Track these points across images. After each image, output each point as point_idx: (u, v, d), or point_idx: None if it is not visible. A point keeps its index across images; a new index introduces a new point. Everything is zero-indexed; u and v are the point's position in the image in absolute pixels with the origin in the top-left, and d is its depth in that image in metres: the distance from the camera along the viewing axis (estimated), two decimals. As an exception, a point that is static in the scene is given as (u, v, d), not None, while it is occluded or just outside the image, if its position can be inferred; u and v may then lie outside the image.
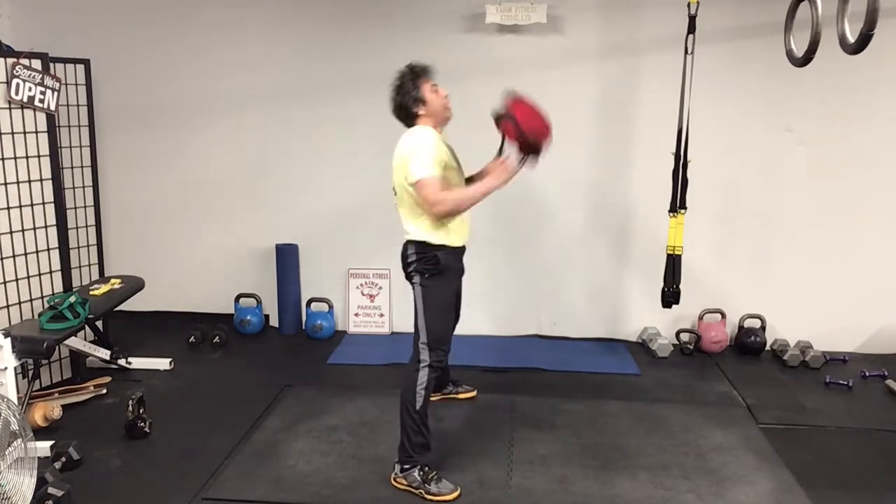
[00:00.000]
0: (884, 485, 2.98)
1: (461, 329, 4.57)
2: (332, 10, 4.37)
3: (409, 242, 2.94)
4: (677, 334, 4.48)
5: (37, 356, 3.27)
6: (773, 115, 4.26)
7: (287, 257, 4.63)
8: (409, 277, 2.98)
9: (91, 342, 3.88)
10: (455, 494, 2.79)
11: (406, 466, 2.84)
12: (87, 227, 4.25)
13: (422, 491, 2.79)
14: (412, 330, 2.95)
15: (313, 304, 4.68)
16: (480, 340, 4.52)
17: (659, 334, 4.44)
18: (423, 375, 2.86)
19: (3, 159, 3.42)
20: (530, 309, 4.61)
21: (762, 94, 4.23)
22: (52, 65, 3.62)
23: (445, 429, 3.35)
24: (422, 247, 2.89)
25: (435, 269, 2.89)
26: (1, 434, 2.45)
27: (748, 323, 4.45)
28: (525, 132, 2.87)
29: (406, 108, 3.01)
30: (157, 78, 4.56)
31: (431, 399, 3.37)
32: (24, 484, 2.51)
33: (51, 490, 2.62)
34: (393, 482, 2.87)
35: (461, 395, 3.65)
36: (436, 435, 3.25)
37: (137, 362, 4.04)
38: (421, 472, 2.82)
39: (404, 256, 2.97)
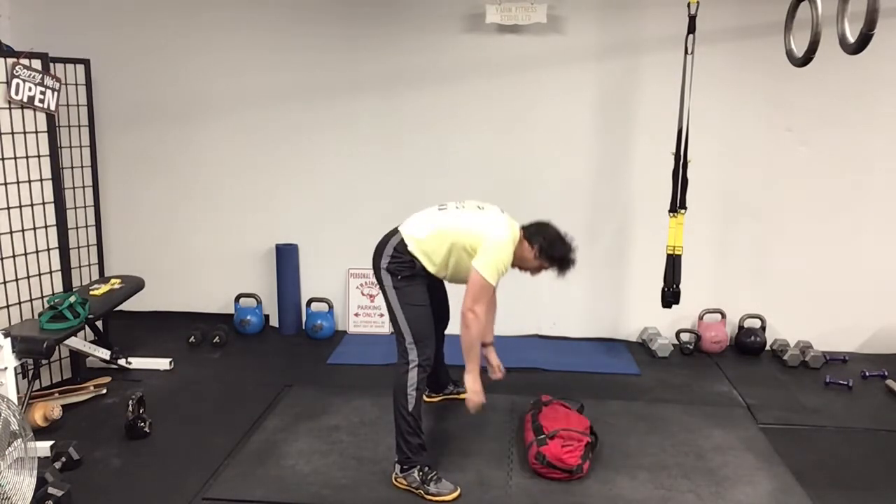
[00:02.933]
0: (884, 485, 2.98)
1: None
2: (333, 11, 4.37)
3: (402, 240, 2.94)
4: (677, 334, 4.48)
5: (37, 356, 3.27)
6: (773, 115, 4.26)
7: (287, 257, 4.63)
8: (378, 277, 2.98)
9: (91, 342, 3.88)
10: (455, 494, 2.79)
11: (405, 467, 2.84)
12: (87, 227, 4.25)
13: (421, 491, 2.79)
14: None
15: (313, 304, 4.68)
16: (480, 340, 4.52)
17: (659, 334, 4.44)
18: (412, 376, 2.87)
19: (3, 159, 3.42)
20: (530, 309, 4.61)
21: (762, 94, 4.23)
22: (52, 65, 3.61)
23: (445, 429, 3.36)
24: (408, 254, 2.92)
25: (408, 272, 2.93)
26: (1, 434, 2.45)
27: (748, 323, 4.45)
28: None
29: (535, 240, 2.98)
30: (157, 78, 4.56)
31: (432, 400, 3.38)
32: (24, 484, 2.51)
33: (51, 490, 2.62)
34: (394, 482, 2.87)
35: (462, 396, 3.65)
36: (436, 435, 3.28)
37: (137, 362, 4.04)
38: (420, 473, 2.82)
39: (382, 251, 2.96)
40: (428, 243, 2.92)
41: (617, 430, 3.35)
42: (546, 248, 2.95)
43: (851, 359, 4.31)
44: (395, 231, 3.01)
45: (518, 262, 3.00)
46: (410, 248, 2.92)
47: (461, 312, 2.87)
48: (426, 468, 2.84)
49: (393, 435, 2.92)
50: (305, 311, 4.70)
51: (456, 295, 3.06)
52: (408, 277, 2.93)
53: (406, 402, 2.85)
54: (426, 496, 2.78)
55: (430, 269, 2.95)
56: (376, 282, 3.03)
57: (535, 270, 3.05)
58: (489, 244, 2.87)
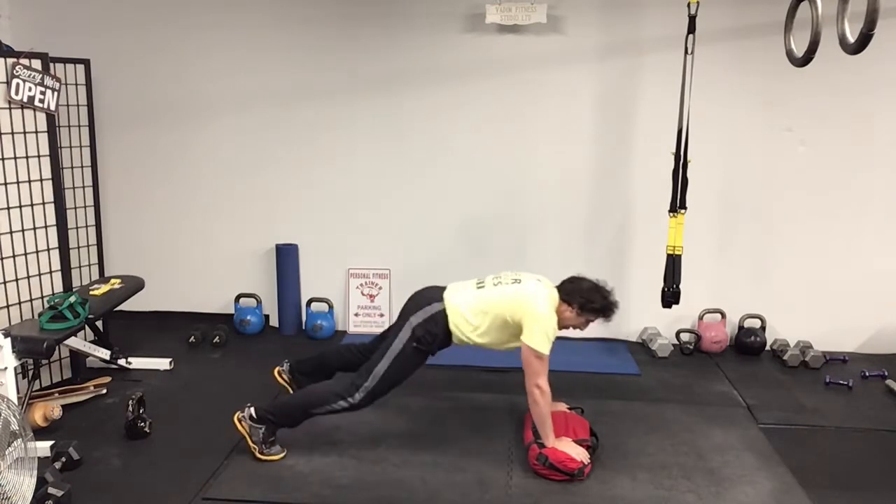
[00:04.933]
0: (884, 485, 2.98)
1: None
2: (332, 11, 4.37)
3: (443, 311, 3.01)
4: (677, 334, 4.48)
5: (37, 356, 3.27)
6: (773, 115, 4.26)
7: (287, 257, 4.63)
8: (400, 324, 3.04)
9: (91, 342, 3.88)
10: (282, 455, 3.01)
11: (259, 421, 2.99)
12: (87, 227, 4.25)
13: (256, 448, 2.98)
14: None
15: (313, 304, 4.68)
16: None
17: (659, 334, 4.44)
18: (338, 406, 3.01)
19: (3, 159, 3.42)
20: (530, 309, 4.60)
21: (762, 94, 4.23)
22: (52, 65, 3.61)
23: (446, 429, 3.36)
24: (446, 330, 3.01)
25: (426, 347, 3.02)
26: (1, 434, 2.45)
27: (748, 323, 4.45)
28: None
29: (573, 299, 3.06)
30: (157, 78, 4.56)
31: (282, 379, 3.48)
32: (24, 484, 2.51)
33: (51, 490, 2.62)
34: (235, 419, 3.02)
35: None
36: (436, 435, 3.28)
37: (137, 362, 4.04)
38: (265, 434, 2.99)
39: (418, 308, 3.04)
40: (470, 319, 3.02)
41: (617, 430, 3.35)
42: (586, 304, 3.04)
43: (851, 359, 4.31)
44: (438, 298, 3.06)
45: (564, 324, 3.09)
46: (452, 319, 3.01)
47: (527, 391, 2.95)
48: (273, 437, 3.01)
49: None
50: (305, 311, 4.70)
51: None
52: (421, 351, 3.02)
53: (321, 409, 3.01)
54: (259, 454, 2.99)
55: (464, 340, 3.05)
56: (395, 323, 3.10)
57: (583, 325, 3.14)
58: (533, 317, 2.95)
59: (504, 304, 3.00)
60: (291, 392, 3.44)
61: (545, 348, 2.94)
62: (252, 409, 3.03)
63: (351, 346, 3.45)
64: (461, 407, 3.60)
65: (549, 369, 4.16)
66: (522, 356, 2.97)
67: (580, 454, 2.93)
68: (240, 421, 3.02)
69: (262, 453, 3.00)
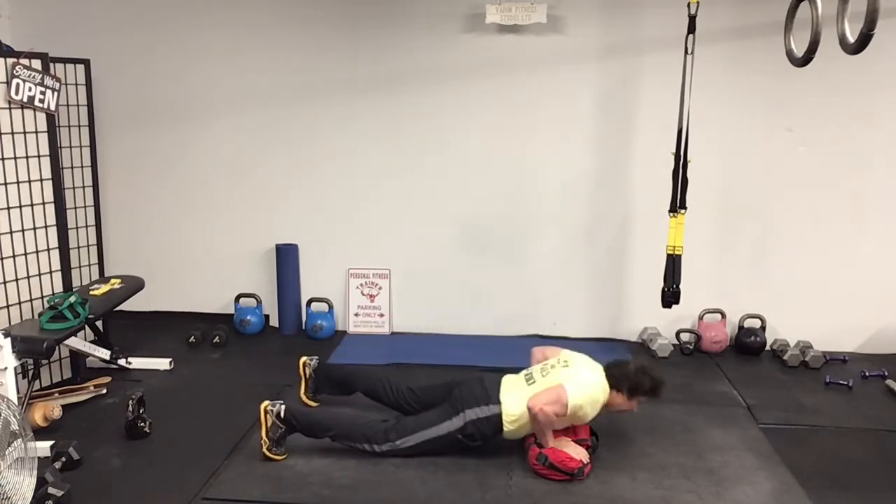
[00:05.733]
0: (884, 485, 2.98)
1: (462, 329, 4.61)
2: (332, 11, 4.37)
3: (499, 415, 3.00)
4: (677, 334, 4.48)
5: (37, 356, 3.27)
6: (773, 115, 4.26)
7: (287, 257, 4.63)
8: (462, 422, 3.02)
9: (91, 342, 3.88)
10: (284, 457, 3.03)
11: (285, 425, 3.00)
12: (87, 227, 4.25)
13: (268, 444, 3.00)
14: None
15: (313, 304, 4.68)
16: (480, 340, 4.52)
17: (659, 334, 4.44)
18: (363, 447, 3.03)
19: (3, 159, 3.42)
20: (530, 309, 4.61)
21: (762, 94, 4.23)
22: (52, 65, 3.61)
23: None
24: (498, 430, 3.02)
25: (474, 444, 3.04)
26: (1, 434, 2.45)
27: (748, 323, 4.45)
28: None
29: (622, 386, 3.08)
30: (157, 78, 4.56)
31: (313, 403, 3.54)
32: (24, 484, 2.51)
33: (51, 490, 2.61)
34: (262, 409, 3.02)
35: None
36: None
37: (137, 362, 4.04)
38: (283, 435, 3.02)
39: (474, 401, 3.04)
40: (524, 418, 2.99)
41: (617, 430, 3.35)
42: (635, 388, 3.06)
43: (851, 359, 4.31)
44: (497, 399, 3.03)
45: (616, 409, 3.12)
46: (506, 420, 3.00)
47: (529, 408, 2.93)
48: (285, 438, 3.04)
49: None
50: (305, 311, 4.70)
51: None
52: (464, 445, 3.03)
53: (342, 439, 3.06)
54: (267, 451, 3.00)
55: (514, 433, 3.04)
56: (450, 404, 3.08)
57: (634, 407, 3.14)
58: (586, 387, 2.99)
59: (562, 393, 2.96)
60: (303, 385, 3.52)
61: (571, 406, 2.91)
62: (282, 408, 3.01)
63: (386, 381, 3.39)
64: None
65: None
66: (553, 387, 2.96)
67: (580, 454, 2.93)
68: (267, 412, 3.01)
69: (269, 450, 3.01)
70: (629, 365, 3.15)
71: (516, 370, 3.22)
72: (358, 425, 3.08)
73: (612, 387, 3.06)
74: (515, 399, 3.02)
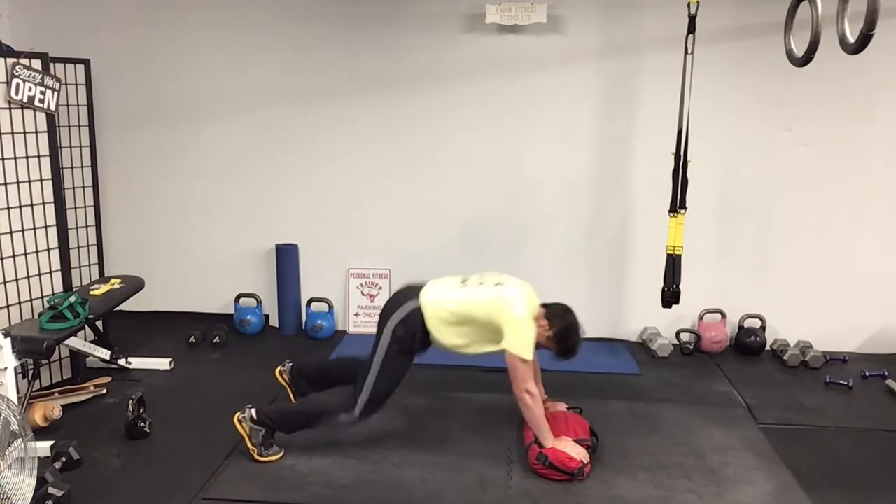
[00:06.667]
0: (884, 485, 2.98)
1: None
2: (332, 11, 4.37)
3: (419, 309, 2.98)
4: (677, 334, 4.48)
5: (37, 356, 3.27)
6: (773, 115, 4.26)
7: (287, 257, 4.63)
8: (380, 330, 3.02)
9: (91, 342, 3.88)
10: (280, 455, 3.02)
11: (259, 424, 2.99)
12: (87, 227, 4.25)
13: (255, 450, 2.99)
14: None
15: (313, 304, 4.68)
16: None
17: (659, 334, 4.44)
18: (342, 419, 3.02)
19: (3, 159, 3.42)
20: (530, 309, 4.61)
21: (762, 94, 4.23)
22: (52, 65, 3.61)
23: (446, 429, 3.35)
24: (424, 328, 2.98)
25: (409, 346, 3.01)
26: (1, 434, 2.45)
27: (748, 323, 4.45)
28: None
29: (555, 322, 3.01)
30: (157, 78, 4.56)
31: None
32: (24, 484, 2.51)
33: (51, 490, 2.62)
34: (236, 420, 3.01)
35: None
36: (436, 435, 3.28)
37: (137, 362, 4.04)
38: (264, 436, 2.99)
39: (395, 309, 3.02)
40: (446, 318, 2.98)
41: (617, 430, 3.35)
42: (562, 334, 3.00)
43: (851, 359, 4.31)
44: (414, 296, 3.03)
45: (540, 341, 3.05)
46: (428, 316, 2.98)
47: (517, 398, 2.94)
48: (272, 438, 3.02)
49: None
50: (305, 311, 4.70)
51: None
52: (404, 353, 3.00)
53: (323, 420, 3.03)
54: (258, 456, 2.99)
55: (443, 342, 3.02)
56: (376, 328, 3.07)
57: (546, 346, 3.06)
58: (512, 322, 2.92)
59: (483, 307, 2.97)
60: (290, 393, 3.44)
61: (528, 353, 2.92)
62: (252, 411, 3.02)
63: (357, 359, 3.37)
64: (461, 407, 3.60)
65: (550, 369, 4.17)
66: (507, 363, 2.94)
67: (580, 454, 2.93)
68: (240, 422, 3.02)
69: (260, 455, 3.01)
70: (572, 316, 3.04)
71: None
72: (329, 401, 3.08)
73: (544, 315, 2.99)
74: (439, 294, 3.02)
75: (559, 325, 2.99)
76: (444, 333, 3.01)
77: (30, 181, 3.55)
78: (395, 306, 3.06)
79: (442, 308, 3.00)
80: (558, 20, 4.22)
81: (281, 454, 3.04)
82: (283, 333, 4.70)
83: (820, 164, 4.28)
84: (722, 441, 3.28)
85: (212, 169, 4.65)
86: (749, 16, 4.13)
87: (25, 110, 3.49)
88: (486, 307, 2.97)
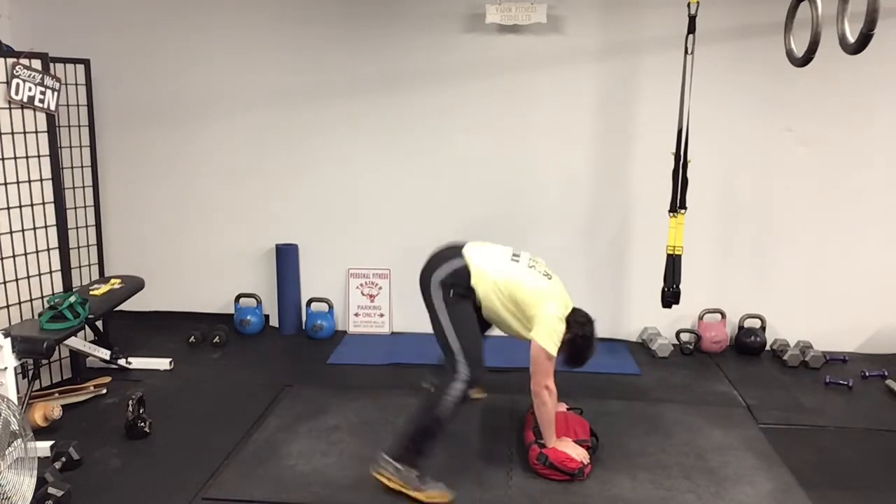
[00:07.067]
0: (884, 485, 2.98)
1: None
2: (332, 11, 4.37)
3: (466, 267, 2.93)
4: (677, 334, 4.48)
5: (37, 356, 3.27)
6: (773, 115, 4.26)
7: (287, 257, 4.63)
8: (427, 289, 2.95)
9: (91, 342, 3.88)
10: (449, 496, 2.76)
11: (404, 465, 2.77)
12: (87, 227, 4.25)
13: (420, 493, 2.74)
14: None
15: (313, 304, 4.68)
16: (480, 340, 4.52)
17: (659, 334, 4.44)
18: (458, 388, 2.80)
19: (3, 159, 3.42)
20: (530, 309, 4.61)
21: (762, 94, 4.23)
22: (52, 65, 3.61)
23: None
24: (467, 283, 2.92)
25: (463, 292, 2.92)
26: (1, 434, 2.45)
27: (748, 323, 4.45)
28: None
29: (574, 328, 2.98)
30: (157, 78, 4.56)
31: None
32: (24, 484, 2.51)
33: (51, 490, 2.62)
34: (380, 476, 2.79)
35: (474, 395, 3.63)
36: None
37: (137, 362, 4.04)
38: (416, 474, 2.77)
39: (438, 265, 2.96)
40: (493, 286, 2.93)
41: (617, 430, 3.35)
42: (577, 340, 2.97)
43: (851, 359, 4.31)
44: (459, 254, 2.98)
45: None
46: (473, 281, 2.92)
47: (534, 392, 2.91)
48: (426, 473, 2.79)
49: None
50: (305, 311, 4.70)
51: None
52: (462, 297, 2.92)
53: (443, 409, 2.77)
54: (421, 497, 2.74)
55: (486, 303, 2.96)
56: (422, 293, 2.99)
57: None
58: (547, 318, 2.90)
59: (530, 292, 2.92)
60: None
61: (554, 350, 2.90)
62: (387, 456, 2.79)
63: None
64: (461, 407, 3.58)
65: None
66: (532, 354, 2.91)
67: (580, 454, 2.93)
68: (388, 478, 2.78)
69: (427, 496, 2.75)
70: (591, 327, 3.02)
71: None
72: (430, 395, 2.89)
73: (566, 319, 2.97)
74: (490, 261, 2.97)
75: (576, 331, 2.97)
76: (483, 298, 2.94)
77: (30, 181, 3.55)
78: (434, 266, 2.98)
79: (489, 278, 2.92)
80: (558, 20, 4.22)
81: (443, 489, 2.78)
82: (283, 333, 4.70)
83: (820, 164, 4.28)
84: (722, 441, 3.29)
85: (212, 169, 4.65)
86: (749, 16, 4.13)
87: (25, 110, 3.49)
88: (532, 293, 2.93)
